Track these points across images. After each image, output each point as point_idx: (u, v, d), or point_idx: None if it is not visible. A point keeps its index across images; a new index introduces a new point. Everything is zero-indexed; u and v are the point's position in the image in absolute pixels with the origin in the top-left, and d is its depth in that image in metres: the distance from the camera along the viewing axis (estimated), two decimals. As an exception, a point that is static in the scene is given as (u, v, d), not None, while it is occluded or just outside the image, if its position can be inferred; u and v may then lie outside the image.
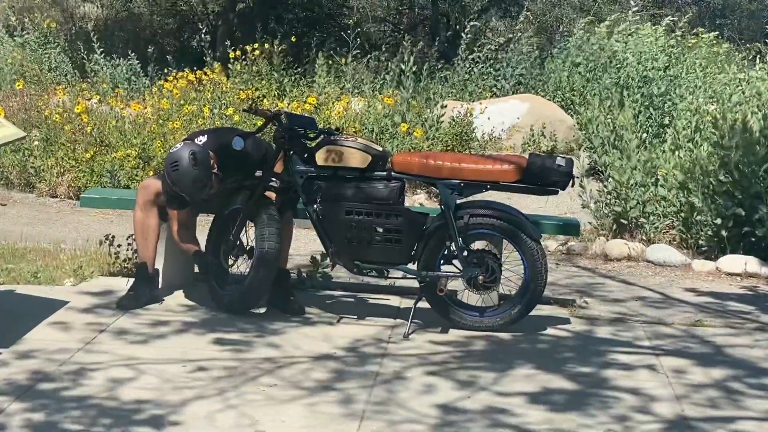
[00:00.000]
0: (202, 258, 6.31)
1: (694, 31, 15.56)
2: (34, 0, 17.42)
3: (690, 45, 14.50)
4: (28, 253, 7.61)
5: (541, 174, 5.92)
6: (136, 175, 10.08)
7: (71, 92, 12.41)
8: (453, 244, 5.96)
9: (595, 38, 14.24)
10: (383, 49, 14.00)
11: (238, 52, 12.97)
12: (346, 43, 13.88)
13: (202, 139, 6.12)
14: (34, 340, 5.55)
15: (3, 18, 16.55)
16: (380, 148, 6.17)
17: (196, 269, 6.64)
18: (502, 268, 6.08)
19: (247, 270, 6.17)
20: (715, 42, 14.98)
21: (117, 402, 4.72)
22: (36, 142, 10.76)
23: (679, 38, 13.97)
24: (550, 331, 6.15)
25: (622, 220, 8.97)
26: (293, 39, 14.30)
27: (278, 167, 6.23)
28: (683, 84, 12.48)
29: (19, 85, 12.21)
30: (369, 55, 13.55)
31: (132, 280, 6.41)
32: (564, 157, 6.02)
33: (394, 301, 6.69)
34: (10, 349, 5.37)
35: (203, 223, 6.67)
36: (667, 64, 12.70)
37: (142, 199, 6.31)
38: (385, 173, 6.05)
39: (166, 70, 13.27)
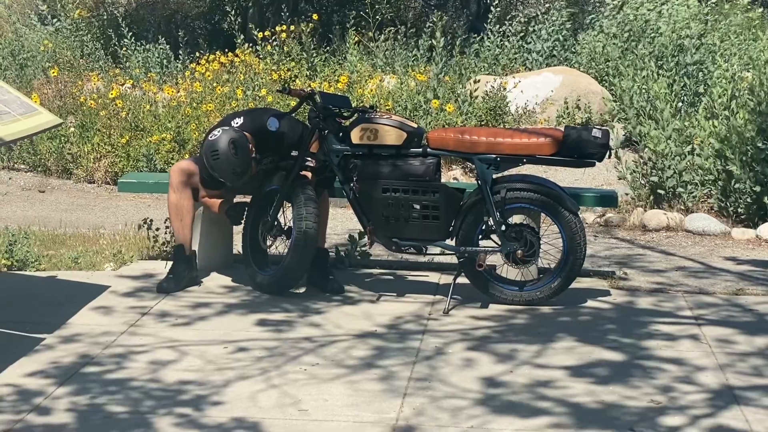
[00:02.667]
0: (233, 209, 6.34)
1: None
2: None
3: (724, 12, 14.34)
4: (68, 239, 7.67)
5: (578, 146, 5.90)
6: (172, 159, 10.11)
7: (105, 78, 12.46)
8: (491, 218, 5.95)
9: (628, 8, 14.10)
10: (411, 24, 13.91)
11: (267, 33, 12.96)
12: (377, 21, 13.84)
13: (238, 122, 6.14)
14: (77, 324, 5.60)
15: (34, 6, 16.62)
16: (415, 125, 6.16)
17: (236, 250, 6.66)
18: (541, 242, 6.06)
19: (286, 250, 6.18)
20: (749, 7, 14.81)
21: (160, 383, 4.76)
22: (72, 129, 10.82)
23: (713, 5, 13.82)
24: (590, 303, 6.13)
25: (659, 191, 8.92)
26: (315, 17, 14.24)
27: (314, 147, 6.23)
28: (718, 51, 12.35)
29: (54, 73, 12.27)
30: (399, 32, 13.49)
31: (171, 263, 6.45)
32: (600, 129, 5.99)
33: (433, 277, 6.69)
34: (55, 333, 5.43)
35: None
36: (701, 32, 12.57)
37: (176, 181, 6.34)
38: (420, 150, 6.05)
39: (197, 54, 13.29)
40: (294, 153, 6.22)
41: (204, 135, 6.62)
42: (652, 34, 12.73)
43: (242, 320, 5.74)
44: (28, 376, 4.81)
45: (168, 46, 13.91)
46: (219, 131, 6.08)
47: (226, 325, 5.65)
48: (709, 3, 13.60)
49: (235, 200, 6.48)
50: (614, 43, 13.55)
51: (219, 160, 5.96)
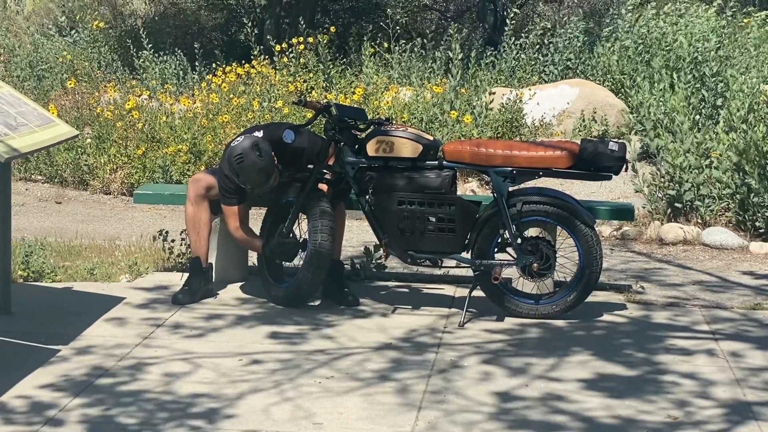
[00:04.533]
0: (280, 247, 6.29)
1: (745, 10, 15.35)
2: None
3: (741, 24, 14.30)
4: (84, 250, 7.68)
5: (594, 159, 5.88)
6: (188, 170, 10.12)
7: (121, 89, 12.49)
8: (506, 231, 5.93)
9: (644, 20, 14.08)
10: (430, 37, 13.92)
11: (284, 45, 12.99)
12: (393, 33, 13.85)
13: (258, 134, 6.14)
14: (92, 336, 5.60)
15: (52, 17, 16.70)
16: (431, 137, 6.15)
17: (252, 262, 6.65)
18: (557, 255, 6.04)
19: (301, 263, 6.18)
20: (766, 21, 14.76)
21: (173, 396, 4.75)
22: (88, 140, 10.85)
23: (729, 18, 13.79)
24: (606, 317, 6.10)
25: (676, 204, 8.88)
26: (332, 29, 14.26)
27: (329, 159, 6.23)
28: (735, 64, 12.32)
29: (71, 84, 12.31)
30: (416, 44, 13.50)
31: (186, 275, 6.45)
32: (617, 142, 5.97)
33: (448, 290, 6.68)
34: (69, 345, 5.43)
35: (255, 216, 6.69)
36: (718, 45, 12.53)
37: (193, 193, 6.34)
38: (436, 162, 6.04)
39: (214, 65, 13.32)
40: (310, 166, 6.21)
41: (223, 148, 6.59)
42: (668, 47, 12.70)
43: (256, 332, 5.74)
44: (41, 388, 4.81)
45: (185, 58, 13.95)
46: (241, 138, 6.09)
47: (240, 338, 5.64)
48: (726, 16, 13.56)
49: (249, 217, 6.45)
50: (629, 56, 13.52)
51: (243, 163, 5.93)
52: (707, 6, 13.47)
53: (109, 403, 4.66)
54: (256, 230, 6.40)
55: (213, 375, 5.03)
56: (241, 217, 6.23)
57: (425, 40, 13.39)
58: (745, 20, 14.39)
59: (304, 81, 12.34)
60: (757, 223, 8.48)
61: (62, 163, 10.76)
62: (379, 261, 6.88)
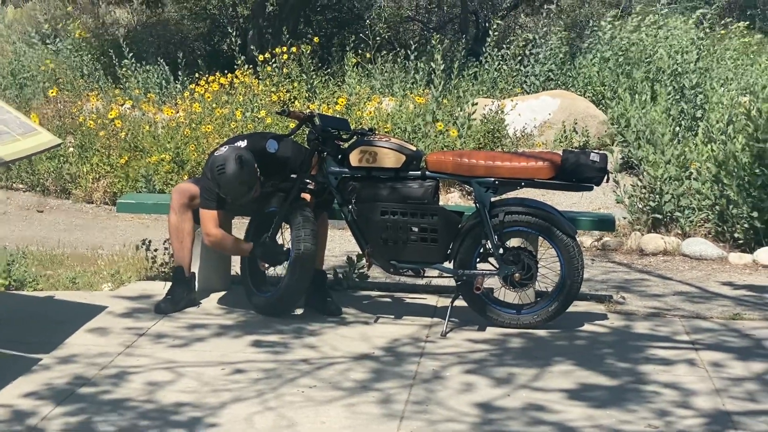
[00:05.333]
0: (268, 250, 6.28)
1: (724, 22, 15.46)
2: (66, 7, 17.53)
3: (720, 36, 14.41)
4: (66, 259, 7.67)
5: (576, 170, 5.91)
6: (171, 180, 10.13)
7: (104, 98, 12.48)
8: (488, 242, 5.96)
9: (624, 32, 14.18)
10: (413, 48, 13.99)
11: (267, 55, 13.01)
12: (376, 44, 13.90)
13: (241, 144, 6.14)
14: (74, 345, 5.60)
15: (35, 25, 16.67)
16: (414, 148, 6.18)
17: (234, 271, 6.66)
18: (539, 265, 6.07)
19: (284, 272, 6.19)
20: (746, 33, 14.88)
21: (156, 405, 4.75)
22: (71, 149, 10.84)
23: (708, 30, 13.89)
24: (587, 327, 6.13)
25: (656, 215, 8.93)
26: (316, 40, 14.31)
27: (312, 169, 6.25)
28: (715, 76, 12.41)
29: (53, 93, 12.30)
30: (398, 55, 13.55)
31: (169, 284, 6.45)
32: (598, 153, 6.01)
33: (430, 300, 6.70)
34: (51, 354, 5.42)
35: (237, 226, 6.70)
36: (697, 57, 12.62)
37: (177, 203, 6.34)
38: (419, 173, 6.06)
39: (197, 75, 13.33)
40: (293, 175, 6.23)
41: (206, 158, 6.59)
42: (648, 59, 12.78)
43: (239, 342, 5.74)
44: (23, 397, 4.80)
45: (167, 67, 13.96)
46: (224, 148, 6.09)
47: (223, 347, 5.65)
48: (704, 28, 13.65)
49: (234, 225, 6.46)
50: (609, 68, 13.60)
51: (225, 174, 5.93)
52: (686, 18, 13.55)
53: (91, 411, 4.66)
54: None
55: (195, 384, 5.04)
56: (219, 222, 6.20)
57: (408, 51, 13.44)
58: (723, 32, 14.49)
59: (287, 91, 12.37)
60: (735, 234, 8.54)
61: (44, 172, 10.74)
62: (361, 270, 6.90)
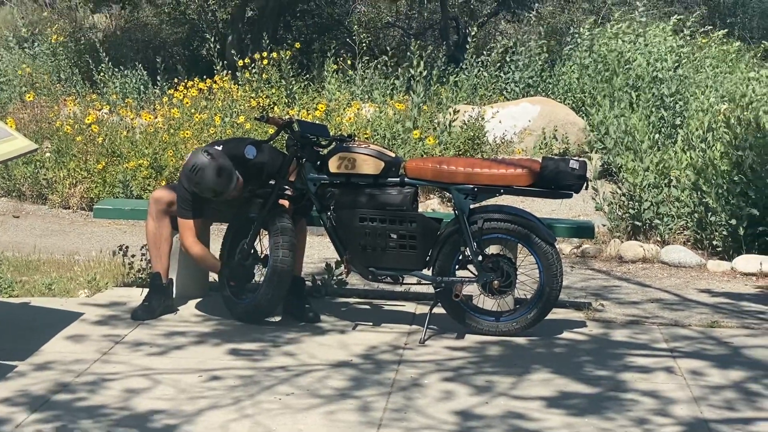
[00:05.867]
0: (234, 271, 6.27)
1: (704, 29, 15.51)
2: (43, 12, 17.46)
3: (700, 44, 14.45)
4: (42, 265, 7.61)
5: (555, 177, 5.90)
6: (149, 185, 10.08)
7: (81, 103, 12.42)
8: (467, 249, 5.94)
9: (603, 39, 14.20)
10: (392, 54, 13.98)
11: (247, 60, 12.98)
12: (356, 50, 13.88)
13: (218, 149, 6.12)
14: (50, 352, 5.55)
15: (12, 29, 16.59)
16: (393, 155, 6.16)
17: (212, 278, 6.62)
18: (517, 272, 6.06)
19: (262, 279, 6.16)
20: (725, 41, 14.92)
21: (132, 412, 4.72)
22: (47, 154, 10.77)
23: (688, 37, 13.93)
24: (566, 334, 6.12)
25: (636, 222, 8.94)
26: (297, 46, 14.29)
27: (291, 175, 6.22)
28: (694, 84, 12.43)
29: (29, 97, 12.23)
30: (378, 61, 13.54)
31: (146, 290, 6.41)
32: (577, 160, 6.00)
33: (409, 307, 6.68)
34: (27, 361, 5.37)
35: (216, 232, 6.66)
36: (677, 64, 12.65)
37: (155, 209, 6.30)
38: (398, 179, 6.04)
39: (175, 80, 13.28)
40: (272, 182, 6.20)
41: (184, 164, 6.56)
42: (628, 66, 12.81)
43: (217, 349, 5.71)
44: (-2, 404, 4.76)
45: (146, 72, 13.90)
46: (198, 149, 6.07)
47: (200, 354, 5.61)
48: (684, 35, 13.69)
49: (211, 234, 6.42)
50: (589, 75, 13.62)
51: (200, 171, 5.90)
52: (664, 26, 13.59)
53: (66, 419, 4.61)
54: (218, 246, 6.38)
55: (172, 391, 5.00)
56: (197, 231, 6.18)
57: (388, 57, 13.43)
58: (702, 40, 14.54)
59: (267, 97, 12.34)
60: (714, 242, 8.55)
61: (20, 177, 10.67)
62: (340, 277, 6.88)
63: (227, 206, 6.24)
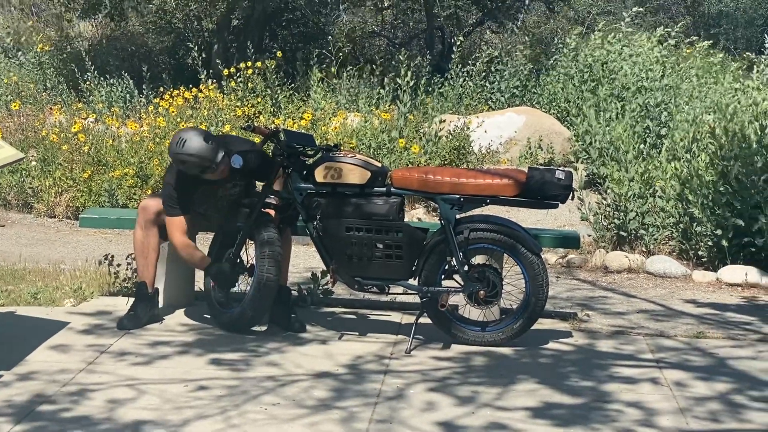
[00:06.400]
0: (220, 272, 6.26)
1: (689, 40, 15.57)
2: (28, 22, 17.44)
3: (685, 54, 14.51)
4: (28, 274, 7.59)
5: (541, 187, 5.92)
6: (135, 194, 10.06)
7: (67, 112, 12.40)
8: (453, 259, 5.95)
9: (588, 49, 14.24)
10: (378, 63, 13.99)
11: (232, 69, 12.98)
12: (341, 59, 13.90)
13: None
14: (35, 361, 5.53)
15: (-2, 38, 16.56)
16: (379, 164, 6.16)
17: (198, 287, 6.61)
18: (503, 283, 6.07)
19: (248, 288, 6.15)
20: (710, 51, 14.99)
21: (117, 422, 4.70)
22: (33, 163, 10.75)
23: (673, 47, 13.98)
24: (551, 345, 6.13)
25: (621, 232, 8.96)
26: (279, 54, 14.29)
27: (277, 185, 6.22)
28: (679, 94, 12.48)
29: (15, 106, 12.20)
30: (363, 70, 13.56)
31: (132, 299, 6.39)
32: (563, 170, 6.01)
33: (395, 317, 6.68)
34: (12, 371, 5.35)
35: (202, 241, 6.65)
36: (662, 74, 12.69)
37: (143, 218, 6.29)
38: (384, 189, 6.05)
39: (161, 89, 13.27)
40: (258, 190, 6.20)
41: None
42: (613, 76, 12.85)
43: (202, 359, 5.69)
44: (-17, 415, 4.75)
45: (131, 81, 13.89)
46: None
47: (185, 364, 5.60)
48: (668, 45, 13.73)
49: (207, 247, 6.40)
50: (574, 84, 13.65)
51: (186, 141, 5.93)
52: (650, 36, 13.64)
53: (51, 430, 4.60)
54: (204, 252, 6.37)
55: (158, 401, 4.99)
56: (186, 230, 6.17)
57: (373, 66, 13.44)
58: (688, 51, 14.60)
59: (252, 106, 12.34)
60: (699, 252, 8.57)
61: (6, 186, 10.64)
62: (326, 287, 6.87)
63: (214, 210, 6.23)
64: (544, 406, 5.06)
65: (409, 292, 6.14)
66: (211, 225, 6.40)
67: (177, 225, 6.15)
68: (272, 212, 6.21)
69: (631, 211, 8.93)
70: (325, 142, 9.92)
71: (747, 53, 15.10)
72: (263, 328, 6.26)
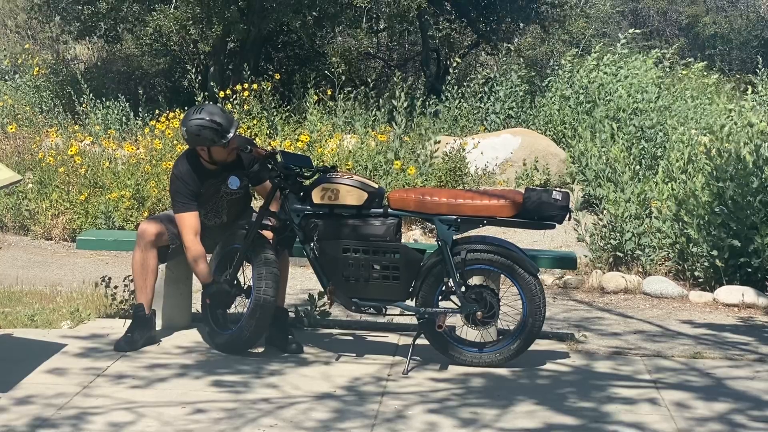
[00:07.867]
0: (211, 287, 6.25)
1: (683, 61, 15.63)
2: (24, 45, 17.47)
3: (680, 76, 14.56)
4: (25, 296, 7.58)
5: (538, 208, 5.92)
6: (131, 216, 10.06)
7: (64, 134, 12.41)
8: (451, 280, 5.95)
9: (583, 71, 14.29)
10: (373, 85, 14.03)
11: (228, 91, 13.01)
12: (337, 81, 13.93)
13: None
14: (32, 384, 5.52)
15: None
16: (376, 186, 6.17)
17: (195, 309, 6.61)
18: (500, 304, 6.07)
19: (245, 310, 6.15)
20: (704, 73, 15.04)
21: (117, 446, 4.69)
22: (30, 185, 10.76)
23: (668, 69, 14.03)
24: (549, 366, 6.13)
25: (617, 253, 8.97)
26: (277, 77, 14.32)
27: (274, 206, 6.23)
28: (674, 115, 12.52)
29: (12, 128, 12.21)
30: (359, 92, 13.59)
31: (129, 321, 6.38)
32: (560, 191, 6.02)
33: (392, 338, 6.67)
34: (8, 394, 5.34)
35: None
36: (657, 96, 12.73)
37: (143, 240, 6.29)
38: (381, 210, 6.05)
39: (157, 111, 13.30)
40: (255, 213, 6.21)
41: (167, 194, 6.56)
42: (609, 98, 12.89)
43: (200, 381, 5.68)
44: (-20, 438, 4.73)
45: (128, 104, 13.91)
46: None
47: (183, 386, 5.59)
48: (663, 66, 13.78)
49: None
50: (569, 106, 13.69)
51: (203, 109, 6.08)
52: (645, 57, 13.68)
53: (50, 452, 4.59)
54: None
55: (156, 424, 4.98)
56: (197, 231, 6.16)
57: (368, 88, 13.47)
58: (684, 72, 14.65)
59: (249, 128, 12.36)
60: (696, 273, 8.58)
61: (3, 208, 10.64)
62: (323, 308, 6.87)
63: (214, 213, 6.25)
64: (544, 427, 5.05)
65: (407, 313, 6.14)
66: (208, 246, 6.37)
67: (188, 223, 6.16)
68: (269, 234, 6.21)
69: (628, 231, 8.94)
70: (321, 163, 9.94)
71: (747, 75, 15.15)
72: (260, 350, 6.25)
